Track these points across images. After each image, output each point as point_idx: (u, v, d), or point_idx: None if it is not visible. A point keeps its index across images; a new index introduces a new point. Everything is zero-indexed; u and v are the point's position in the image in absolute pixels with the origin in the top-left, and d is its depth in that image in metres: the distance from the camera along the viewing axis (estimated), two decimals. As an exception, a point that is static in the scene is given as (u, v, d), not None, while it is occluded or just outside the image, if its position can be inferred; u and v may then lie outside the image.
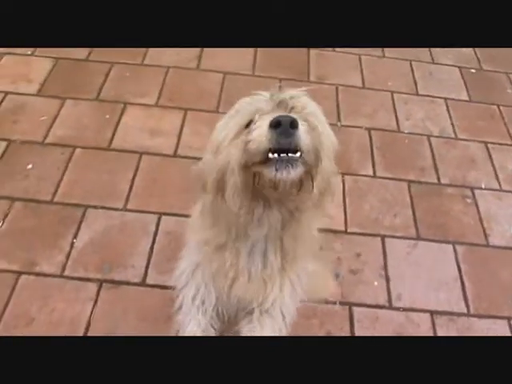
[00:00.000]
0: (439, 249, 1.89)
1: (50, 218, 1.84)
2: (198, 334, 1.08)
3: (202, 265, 1.09)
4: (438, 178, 2.14)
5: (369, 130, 2.31)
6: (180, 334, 1.09)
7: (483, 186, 2.14)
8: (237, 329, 1.11)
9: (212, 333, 1.10)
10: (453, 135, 2.35)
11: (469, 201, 2.07)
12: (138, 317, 1.60)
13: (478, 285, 1.81)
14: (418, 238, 1.91)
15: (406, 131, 2.34)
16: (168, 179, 2.00)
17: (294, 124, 0.73)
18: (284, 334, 1.12)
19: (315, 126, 0.81)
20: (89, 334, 1.55)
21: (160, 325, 1.58)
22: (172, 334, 1.56)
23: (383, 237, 1.89)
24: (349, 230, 1.90)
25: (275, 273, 1.03)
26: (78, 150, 2.08)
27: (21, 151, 2.06)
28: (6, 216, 1.83)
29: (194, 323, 1.08)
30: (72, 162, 2.04)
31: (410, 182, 2.11)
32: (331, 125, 2.46)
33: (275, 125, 0.72)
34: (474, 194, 2.10)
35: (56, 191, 1.93)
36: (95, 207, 1.88)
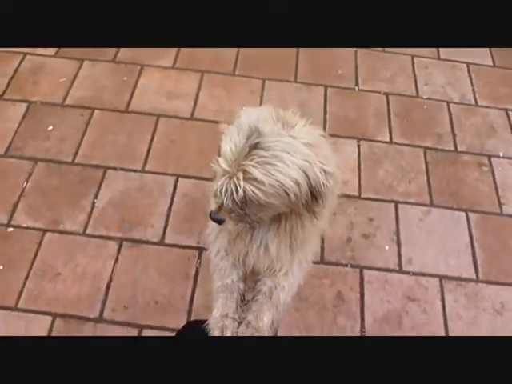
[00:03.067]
0: (452, 216, 1.91)
1: (72, 178, 1.91)
2: (228, 267, 1.18)
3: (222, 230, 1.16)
4: (455, 146, 2.12)
5: (387, 94, 2.28)
6: (213, 271, 1.19)
7: (501, 155, 2.11)
8: (257, 279, 1.20)
9: (241, 270, 1.19)
10: (473, 102, 2.30)
11: (485, 169, 2.06)
12: (157, 273, 1.68)
13: (488, 252, 1.83)
14: (432, 204, 1.93)
15: (424, 97, 2.30)
16: (185, 141, 2.03)
17: (219, 222, 0.98)
18: (294, 292, 1.20)
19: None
20: (111, 288, 1.65)
21: (178, 280, 1.66)
22: (189, 290, 1.65)
23: (396, 203, 1.91)
24: (362, 195, 1.92)
25: (282, 254, 1.12)
26: (96, 112, 2.11)
27: (41, 112, 2.10)
28: (29, 176, 1.90)
29: (225, 260, 1.17)
30: (91, 123, 2.07)
31: (426, 148, 2.10)
32: (348, 89, 2.44)
33: (210, 216, 0.98)
34: (490, 162, 2.08)
35: (76, 152, 1.98)
36: (115, 169, 1.93)
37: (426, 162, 2.05)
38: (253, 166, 0.86)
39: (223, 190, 0.90)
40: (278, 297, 1.17)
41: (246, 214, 0.95)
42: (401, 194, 1.94)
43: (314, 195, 0.93)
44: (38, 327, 1.58)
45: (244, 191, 0.87)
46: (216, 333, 1.07)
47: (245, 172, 0.87)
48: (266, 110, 0.96)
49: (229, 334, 1.07)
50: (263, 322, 1.11)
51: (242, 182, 0.87)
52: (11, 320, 1.59)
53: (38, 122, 2.07)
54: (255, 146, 0.87)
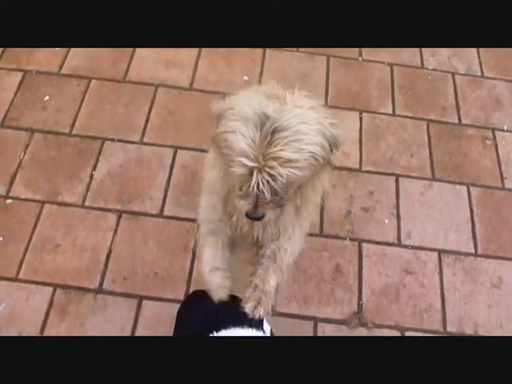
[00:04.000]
0: (453, 190, 1.89)
1: (69, 150, 1.88)
2: (219, 248, 1.17)
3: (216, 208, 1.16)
4: (459, 119, 2.08)
5: (391, 65, 2.22)
6: (201, 256, 1.19)
7: (505, 128, 2.07)
8: (260, 244, 1.22)
9: (230, 249, 1.21)
10: (479, 73, 2.24)
11: (488, 142, 2.02)
12: (156, 245, 1.69)
13: (488, 227, 1.82)
14: (433, 178, 1.90)
15: (430, 68, 2.23)
16: (184, 112, 1.99)
17: (259, 218, 0.98)
18: (296, 255, 1.22)
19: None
20: (111, 259, 1.66)
21: (177, 253, 1.67)
22: (188, 263, 1.66)
23: (398, 176, 1.89)
24: (363, 169, 1.90)
25: (288, 223, 1.15)
26: (93, 82, 2.06)
27: (37, 82, 2.05)
28: (26, 147, 1.88)
29: (213, 246, 1.17)
30: (88, 94, 2.03)
31: (429, 121, 2.06)
32: (352, 59, 2.36)
33: (248, 216, 0.98)
34: (494, 135, 2.04)
35: (74, 123, 1.95)
36: (112, 140, 1.91)
37: (429, 135, 2.01)
38: (281, 149, 0.86)
39: (260, 186, 0.89)
40: (282, 260, 1.19)
41: (281, 197, 0.96)
42: (402, 167, 1.92)
43: (332, 148, 0.96)
44: (39, 297, 1.59)
45: (285, 176, 0.88)
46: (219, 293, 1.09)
47: (276, 158, 0.86)
48: (255, 93, 0.94)
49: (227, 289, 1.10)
50: (270, 285, 1.14)
51: (280, 169, 0.86)
52: (13, 291, 1.60)
53: (34, 92, 2.02)
54: (274, 131, 0.86)
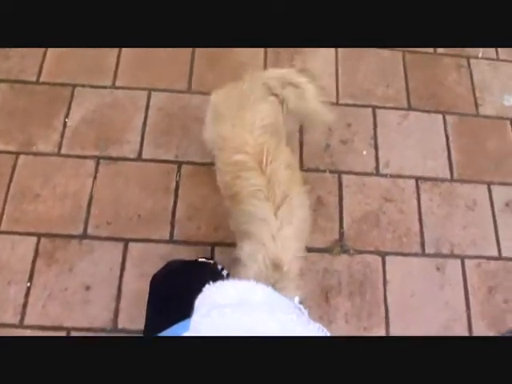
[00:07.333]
0: (430, 119, 1.91)
1: (39, 98, 1.82)
2: None
3: None
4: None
5: (366, -4, 2.16)
6: None
7: (480, 56, 2.07)
8: None
9: None
10: (454, 0, 2.20)
11: (463, 70, 2.03)
12: (138, 188, 1.68)
13: (464, 153, 1.87)
14: (410, 108, 1.92)
15: (405, -3, 2.18)
16: (156, 50, 1.91)
17: None
18: None
19: None
20: (93, 205, 1.65)
21: (159, 194, 1.67)
22: (171, 203, 1.66)
23: (374, 107, 1.89)
24: (340, 102, 1.89)
25: None
26: (57, 27, 1.96)
27: (-3, 29, 1.94)
28: (-7, 98, 1.81)
29: None
30: (53, 39, 1.93)
31: (404, 51, 2.04)
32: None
33: None
34: (469, 63, 2.05)
35: (41, 71, 1.87)
36: (83, 86, 1.84)
37: (405, 65, 2.00)
38: None
39: None
40: None
41: None
42: (379, 98, 1.92)
43: None
44: (24, 247, 1.59)
45: None
46: None
47: None
48: None
49: None
50: None
51: None
52: (-4, 242, 1.59)
53: (-5, 40, 1.92)
54: None
